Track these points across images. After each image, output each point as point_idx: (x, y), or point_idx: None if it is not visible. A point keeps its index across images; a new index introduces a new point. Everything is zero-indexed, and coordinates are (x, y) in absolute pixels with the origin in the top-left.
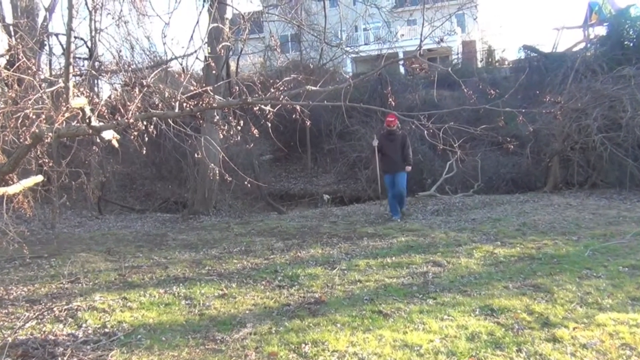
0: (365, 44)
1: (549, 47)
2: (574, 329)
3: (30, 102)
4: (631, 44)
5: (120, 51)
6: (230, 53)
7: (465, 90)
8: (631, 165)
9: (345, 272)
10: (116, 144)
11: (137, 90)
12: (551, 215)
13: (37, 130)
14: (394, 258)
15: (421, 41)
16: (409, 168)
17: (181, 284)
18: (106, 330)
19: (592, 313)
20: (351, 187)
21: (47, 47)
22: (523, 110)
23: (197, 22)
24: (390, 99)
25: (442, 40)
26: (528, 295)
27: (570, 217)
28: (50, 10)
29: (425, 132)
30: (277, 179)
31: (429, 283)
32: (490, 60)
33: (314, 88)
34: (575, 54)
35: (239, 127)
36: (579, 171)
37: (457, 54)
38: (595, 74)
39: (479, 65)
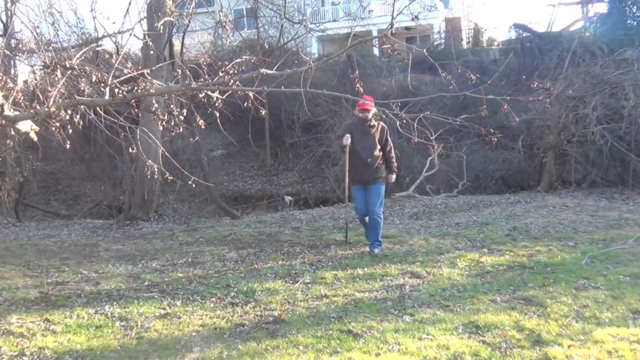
0: (334, 21)
1: (543, 26)
2: (568, 347)
3: None
4: (635, 23)
5: (40, 27)
6: (174, 30)
7: (443, 75)
8: (634, 160)
9: (310, 285)
10: (35, 137)
11: (59, 73)
12: (545, 218)
13: None
14: (365, 269)
15: (393, 18)
16: (393, 178)
17: (115, 303)
18: (25, 358)
19: (589, 328)
20: (317, 187)
21: None
22: (508, 98)
23: None
24: (358, 85)
25: (416, 17)
26: (518, 310)
27: (567, 220)
28: None
29: (398, 122)
30: (230, 178)
31: (406, 297)
32: (477, 40)
33: (269, 72)
34: (572, 34)
35: (182, 118)
36: (576, 168)
37: (439, 32)
38: (595, 57)
39: (465, 46)
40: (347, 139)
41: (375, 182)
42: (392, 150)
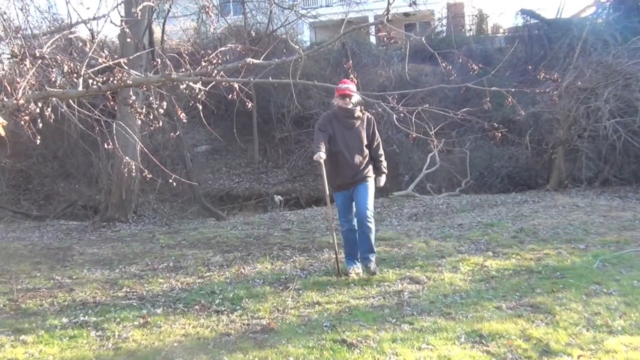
0: (327, 6)
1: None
2: (578, 357)
3: None
4: None
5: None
6: (154, 16)
7: (444, 65)
8: None
9: (301, 292)
10: (3, 132)
11: (29, 62)
12: (554, 218)
13: None
14: (361, 274)
15: (389, 3)
16: (382, 180)
17: (91, 311)
18: None
19: (601, 337)
20: (309, 185)
21: None
22: (514, 90)
23: None
24: (352, 75)
25: (415, 2)
26: (525, 318)
27: (577, 221)
28: None
29: (395, 116)
30: (215, 176)
31: (405, 304)
32: (481, 27)
33: (256, 61)
34: (583, 20)
35: (162, 111)
36: (587, 165)
37: (440, 19)
38: (607, 46)
39: (468, 33)
40: (322, 154)
41: (362, 181)
42: (381, 147)
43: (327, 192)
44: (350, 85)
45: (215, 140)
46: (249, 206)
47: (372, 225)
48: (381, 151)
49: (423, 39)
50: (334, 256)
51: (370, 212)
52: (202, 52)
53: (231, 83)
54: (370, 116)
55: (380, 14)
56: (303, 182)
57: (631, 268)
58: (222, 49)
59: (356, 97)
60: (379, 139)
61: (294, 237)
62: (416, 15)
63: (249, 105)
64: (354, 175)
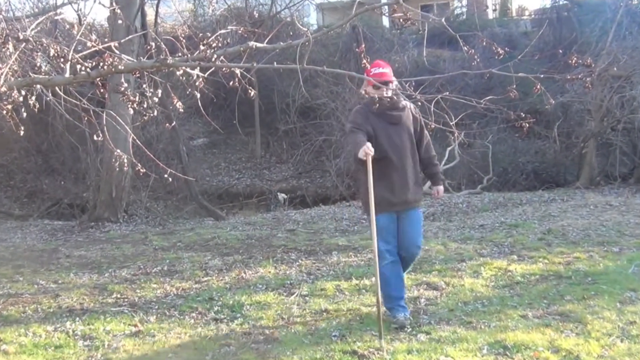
0: None
1: None
2: None
3: None
4: None
5: None
6: None
7: (465, 49)
8: None
9: (307, 298)
10: None
11: (11, 46)
12: (585, 219)
13: None
14: (373, 279)
15: None
16: (441, 191)
17: (78, 319)
18: None
19: (637, 349)
20: (316, 182)
21: None
22: (542, 76)
23: None
24: (365, 61)
25: None
26: (553, 327)
27: (610, 222)
28: None
29: (412, 105)
30: (213, 172)
31: (421, 312)
32: (505, 9)
33: (260, 45)
34: (617, 1)
35: (156, 99)
36: (622, 160)
37: (461, 0)
38: None
39: (490, 16)
40: (369, 147)
41: (415, 206)
42: (431, 146)
43: (372, 206)
44: (386, 69)
45: (213, 132)
46: (250, 205)
47: (416, 255)
48: (433, 152)
49: (443, 20)
50: (376, 309)
51: (418, 248)
52: (200, 35)
53: (232, 69)
54: (412, 105)
55: None
56: (309, 179)
57: None
58: (222, 31)
59: (395, 83)
60: (428, 136)
61: (299, 239)
62: None
63: (252, 94)
64: (407, 191)
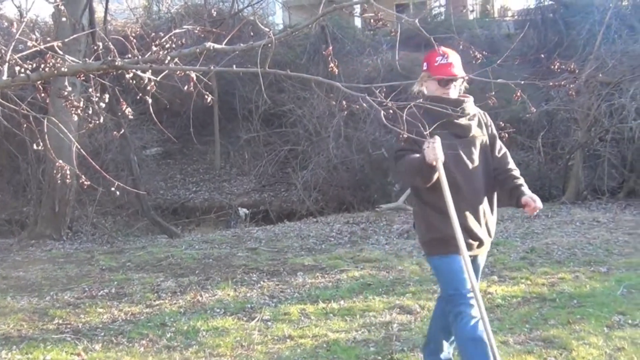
0: None
1: None
2: None
3: None
4: None
5: None
6: None
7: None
8: None
9: (270, 324)
10: None
11: None
12: (571, 236)
13: None
14: (342, 302)
15: None
16: (536, 201)
17: (15, 347)
18: None
19: None
20: (281, 196)
21: None
22: (523, 83)
23: None
24: (333, 64)
25: None
26: (536, 354)
27: (598, 240)
28: None
29: (383, 112)
30: (168, 185)
31: (394, 338)
32: (485, 9)
33: (218, 46)
34: (605, 2)
35: (104, 105)
36: (610, 173)
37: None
38: (634, 32)
39: (470, 16)
40: (435, 146)
41: (487, 247)
42: (509, 158)
43: (460, 232)
44: (453, 60)
45: (168, 141)
46: (208, 221)
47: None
48: (513, 164)
49: (417, 21)
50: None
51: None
52: (153, 34)
53: (188, 72)
54: (482, 111)
55: None
56: (273, 192)
57: None
58: (177, 31)
59: (461, 82)
60: (504, 147)
61: (261, 259)
62: None
63: (209, 99)
64: (480, 228)
